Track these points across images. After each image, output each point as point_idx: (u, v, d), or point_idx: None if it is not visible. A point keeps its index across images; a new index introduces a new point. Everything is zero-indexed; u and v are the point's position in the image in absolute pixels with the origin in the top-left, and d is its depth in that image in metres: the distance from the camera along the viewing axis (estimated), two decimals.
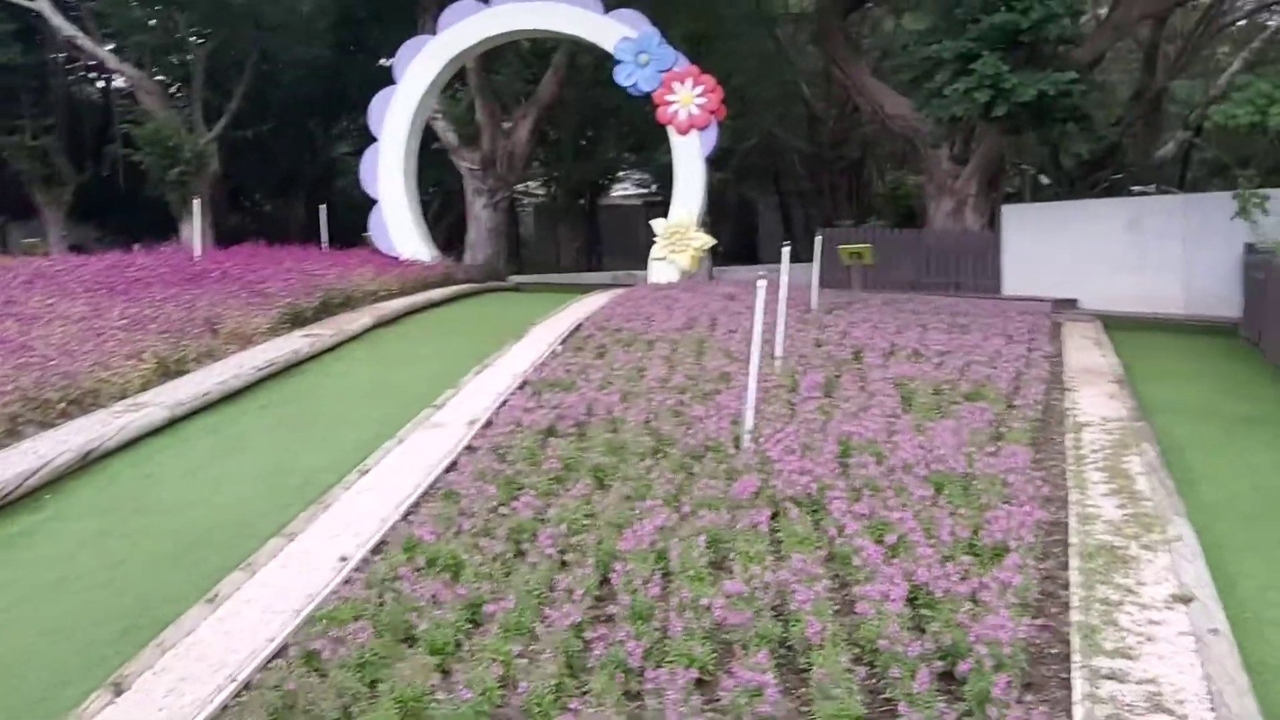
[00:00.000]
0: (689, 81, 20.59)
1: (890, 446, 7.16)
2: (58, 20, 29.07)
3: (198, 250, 16.34)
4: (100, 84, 37.67)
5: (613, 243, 44.14)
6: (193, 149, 30.36)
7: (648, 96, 21.36)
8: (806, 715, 4.06)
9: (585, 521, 5.93)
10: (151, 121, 29.95)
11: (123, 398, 9.81)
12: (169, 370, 10.71)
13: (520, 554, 5.63)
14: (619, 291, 18.34)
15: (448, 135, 27.05)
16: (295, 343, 12.53)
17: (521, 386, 9.98)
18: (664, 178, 41.75)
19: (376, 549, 6.16)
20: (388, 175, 21.93)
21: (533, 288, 23.94)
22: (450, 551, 5.54)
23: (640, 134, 37.47)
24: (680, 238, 20.83)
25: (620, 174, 44.72)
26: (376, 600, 5.14)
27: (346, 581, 5.65)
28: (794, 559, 5.09)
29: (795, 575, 4.89)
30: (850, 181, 33.26)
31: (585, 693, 4.10)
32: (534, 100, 27.67)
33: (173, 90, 33.84)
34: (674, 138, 20.99)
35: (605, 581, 5.19)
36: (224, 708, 4.43)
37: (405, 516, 6.67)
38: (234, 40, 31.77)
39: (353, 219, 25.66)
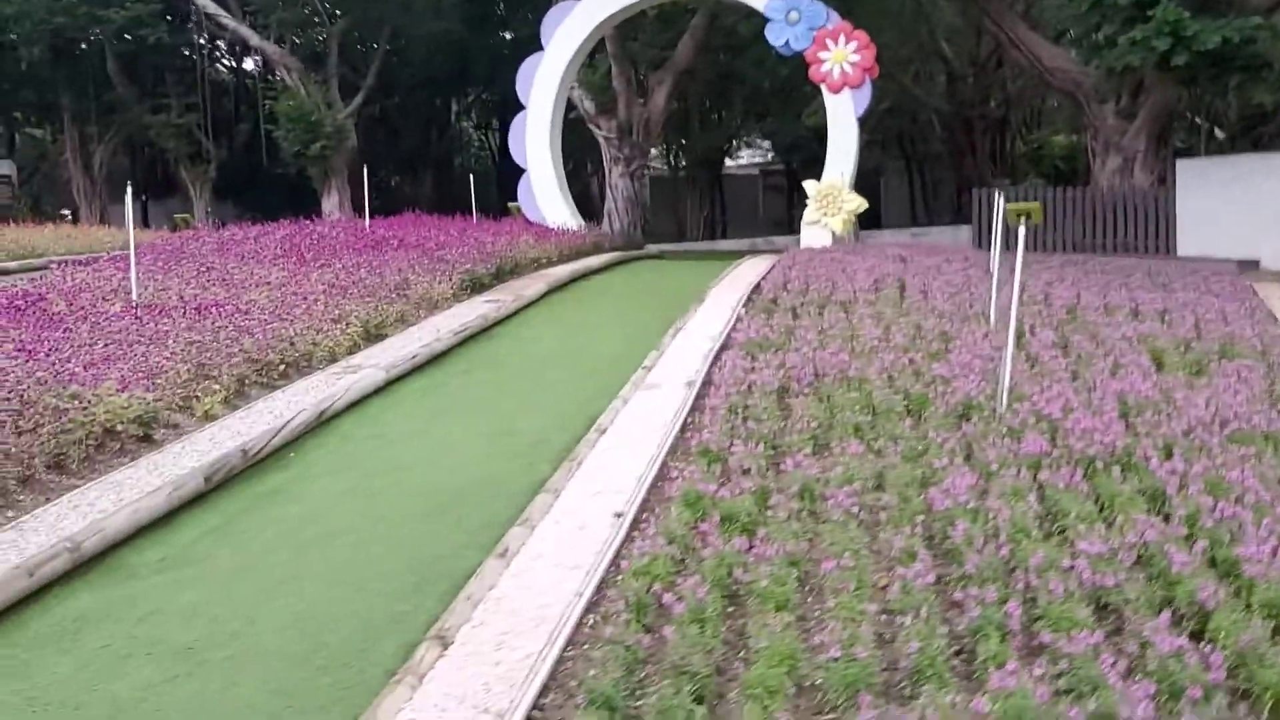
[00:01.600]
0: (841, 38, 20.05)
1: (1169, 404, 6.75)
2: None
3: (368, 219, 16.50)
4: (235, 63, 38.62)
5: (732, 212, 43.73)
6: (332, 124, 30.88)
7: (798, 56, 20.88)
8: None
9: (873, 480, 5.67)
10: (292, 98, 30.56)
11: (333, 360, 9.90)
12: (370, 334, 10.79)
13: (813, 513, 5.41)
14: (774, 257, 17.98)
15: (585, 103, 26.92)
16: (481, 308, 12.55)
17: (725, 348, 9.77)
18: (783, 146, 41.23)
19: (645, 505, 6.01)
20: (535, 143, 21.91)
21: (675, 255, 23.73)
22: (742, 508, 5.34)
23: (763, 101, 36.97)
24: (833, 200, 20.37)
25: (739, 143, 44.21)
26: (678, 556, 4.98)
27: (630, 538, 5.51)
28: (1136, 519, 4.75)
29: (1161, 535, 4.56)
30: (992, 141, 32.15)
31: (963, 654, 3.87)
32: (670, 65, 27.35)
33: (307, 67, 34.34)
34: (826, 97, 20.50)
35: (929, 540, 4.93)
36: (560, 661, 4.31)
37: (662, 473, 6.51)
38: (367, 16, 32.15)
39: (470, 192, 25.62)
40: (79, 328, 9.27)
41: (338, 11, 32.18)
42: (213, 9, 30.25)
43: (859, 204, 20.56)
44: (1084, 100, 21.72)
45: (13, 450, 6.55)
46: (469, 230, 16.88)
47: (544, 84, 21.84)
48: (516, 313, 12.82)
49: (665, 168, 41.02)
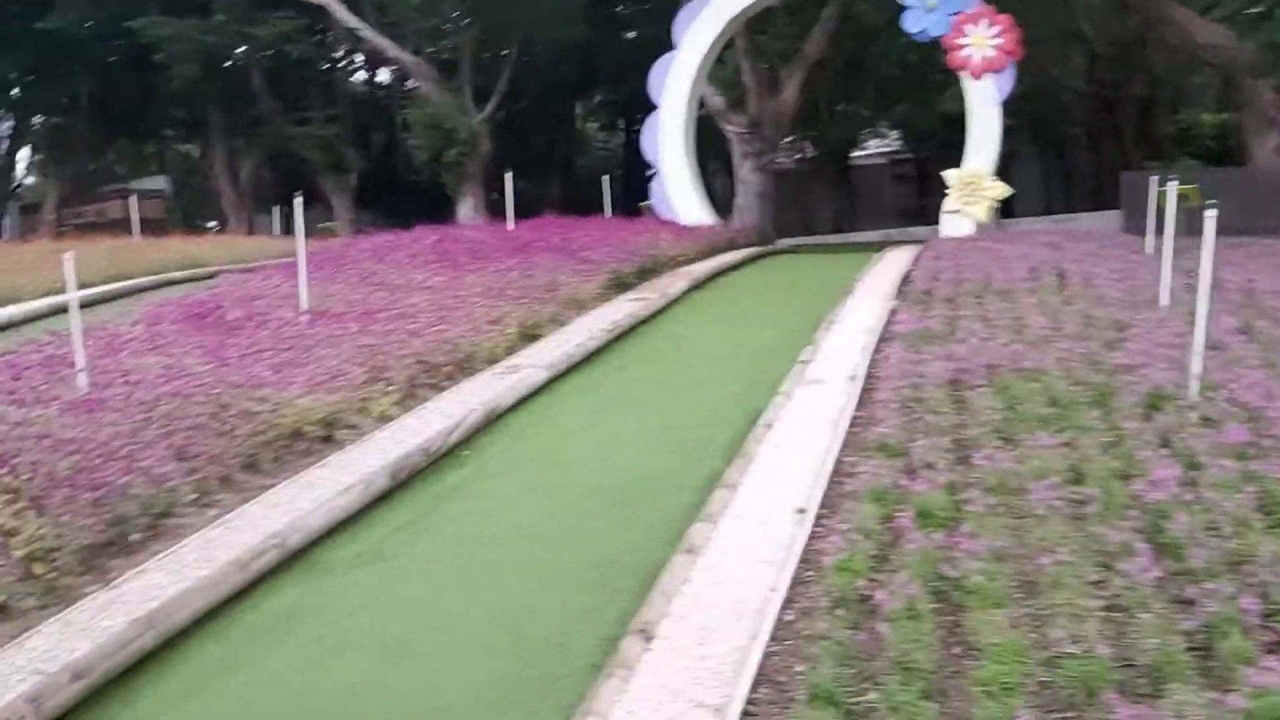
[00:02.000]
0: (983, 22, 19.54)
1: None
2: (341, 13, 30.74)
3: (511, 223, 16.80)
4: (369, 75, 39.78)
5: (859, 204, 43.05)
6: (467, 130, 31.53)
7: (935, 42, 20.46)
8: None
9: (1070, 473, 5.51)
10: (428, 106, 31.32)
11: (493, 361, 10.09)
12: (526, 335, 10.98)
13: (1011, 507, 5.28)
14: (915, 248, 17.64)
15: (713, 99, 26.87)
16: (627, 306, 12.65)
17: (883, 340, 9.63)
18: (912, 135, 40.40)
19: (825, 500, 5.96)
20: (669, 142, 21.99)
21: (809, 249, 23.51)
22: (936, 503, 5.25)
23: (892, 90, 36.28)
24: (975, 188, 19.90)
25: (865, 134, 43.49)
26: (875, 551, 4.92)
27: (815, 533, 5.48)
28: None
29: None
30: (1136, 123, 30.89)
31: (1198, 651, 3.73)
32: (801, 58, 27.08)
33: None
34: (966, 83, 20.01)
35: (1142, 533, 4.76)
36: (766, 655, 4.31)
37: (837, 469, 6.44)
38: (497, 23, 32.72)
39: (595, 194, 25.64)
40: (258, 333, 9.68)
41: (469, 20, 32.81)
42: (353, 22, 31.20)
43: (1001, 191, 20.05)
44: (1239, 77, 20.70)
45: (214, 452, 6.87)
46: (608, 230, 17.02)
47: (676, 83, 21.90)
48: (662, 310, 12.88)
49: (790, 161, 40.57)
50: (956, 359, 8.12)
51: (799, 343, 10.29)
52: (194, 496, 6.53)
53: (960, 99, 24.04)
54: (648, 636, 4.57)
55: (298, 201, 11.22)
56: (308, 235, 27.88)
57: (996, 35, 19.47)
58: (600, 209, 23.28)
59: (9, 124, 41.06)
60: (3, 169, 41.93)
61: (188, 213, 39.27)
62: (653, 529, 6.06)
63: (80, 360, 7.87)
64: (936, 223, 31.12)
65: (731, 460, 6.91)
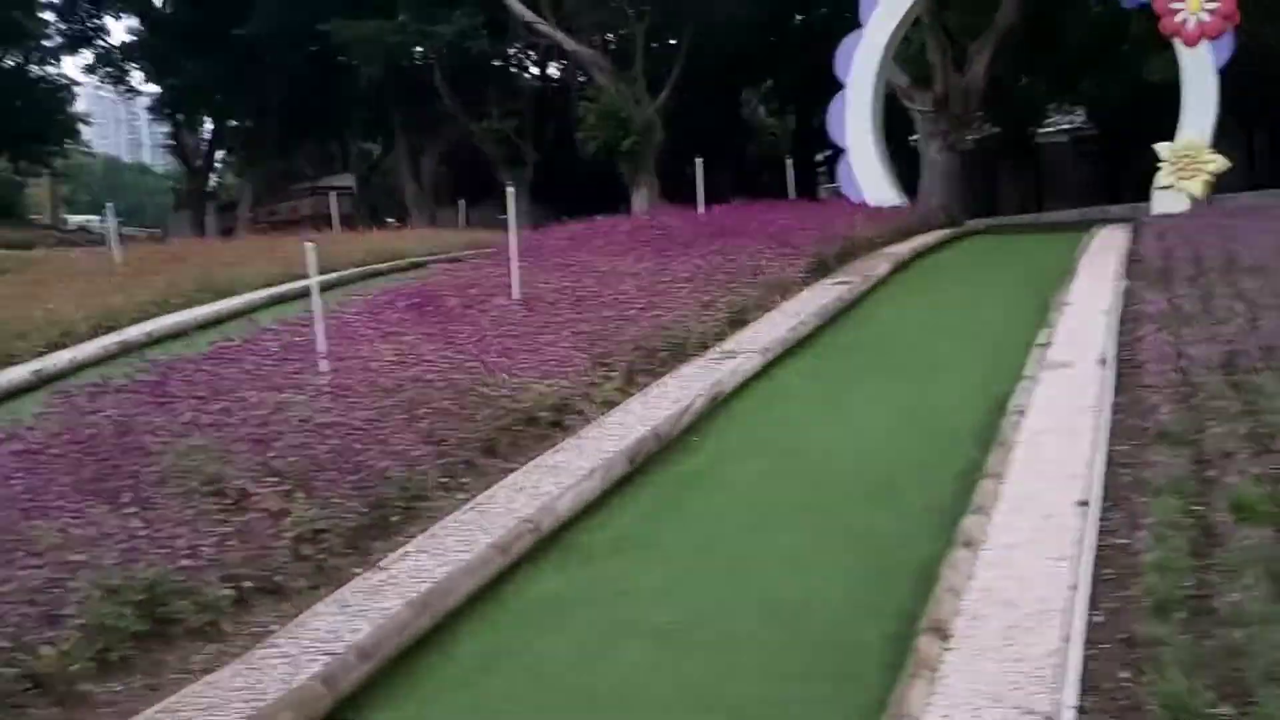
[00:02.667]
0: None
1: None
2: (518, 8, 31.18)
3: (701, 209, 16.63)
4: (542, 69, 40.29)
5: (1043, 184, 41.19)
6: (642, 120, 31.57)
7: (1144, 8, 19.26)
8: None
9: None
10: (604, 96, 31.49)
11: (704, 346, 9.93)
12: (734, 319, 10.77)
13: None
14: (1125, 227, 16.65)
15: (897, 76, 26.03)
16: (832, 290, 12.30)
17: (1128, 321, 9.04)
18: (1101, 111, 38.35)
19: (1109, 493, 5.52)
20: (856, 122, 21.42)
21: (1005, 230, 22.52)
22: (1252, 495, 4.78)
23: (1080, 64, 34.47)
24: (1190, 162, 18.60)
25: (1051, 110, 41.58)
26: (1192, 550, 4.50)
27: (1105, 528, 5.07)
28: None
29: None
30: None
31: None
32: (991, 32, 25.95)
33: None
34: (1180, 50, 18.73)
35: None
36: (1089, 658, 3.96)
37: (1113, 459, 5.99)
38: (671, 10, 32.63)
39: (767, 179, 24.89)
40: (479, 321, 9.77)
41: (644, 8, 32.79)
42: (530, 17, 31.62)
43: (1220, 165, 18.69)
44: None
45: (457, 436, 6.90)
46: (800, 214, 16.65)
47: (864, 61, 21.30)
48: (869, 293, 12.48)
49: (971, 141, 39.07)
50: (1224, 340, 7.51)
51: (1028, 325, 9.76)
52: (443, 480, 6.57)
53: (1164, 68, 22.68)
54: (944, 635, 4.28)
55: (510, 192, 11.30)
56: (488, 228, 28.29)
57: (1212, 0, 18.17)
58: (774, 194, 22.85)
59: (208, 128, 43.52)
60: (202, 170, 44.47)
61: (373, 209, 40.63)
62: (918, 520, 5.76)
63: (322, 347, 8.07)
64: (1130, 201, 29.48)
65: (988, 449, 6.53)
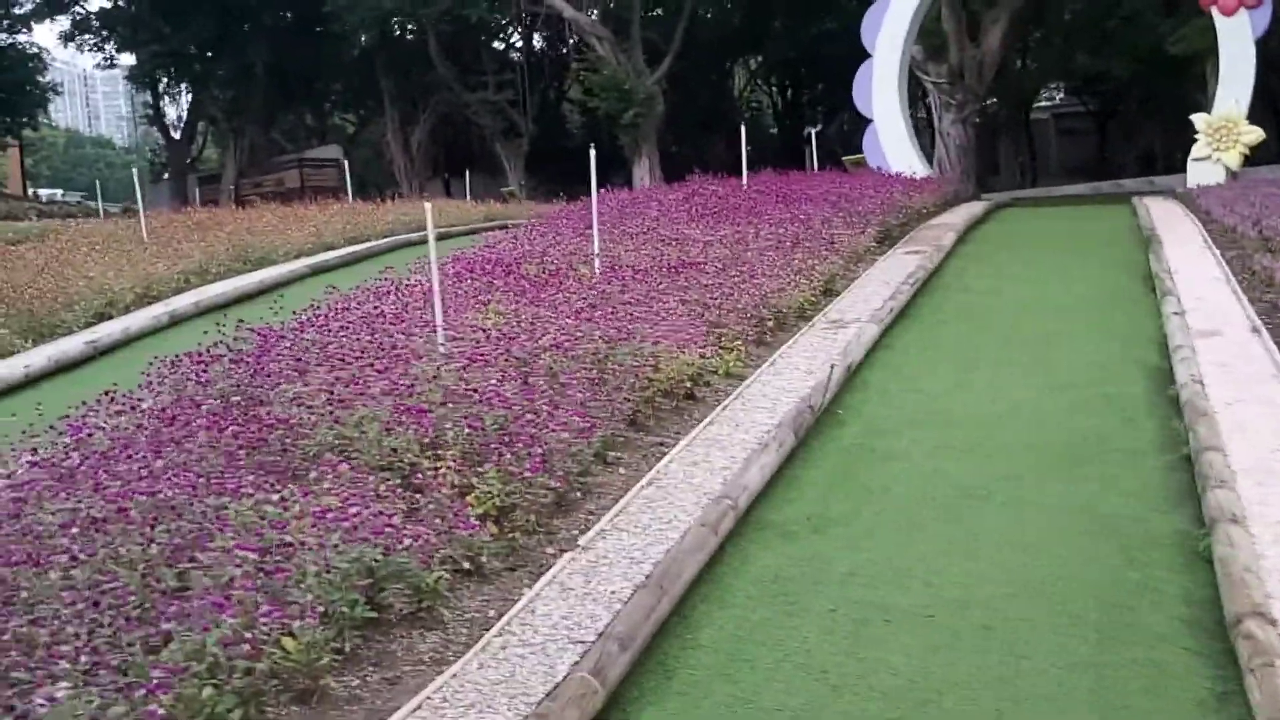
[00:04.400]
0: None
1: None
2: None
3: (745, 180, 16.23)
4: (544, 38, 39.54)
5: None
6: (644, 91, 31.07)
7: None
8: None
9: None
10: (606, 67, 30.94)
11: (803, 316, 9.59)
12: (825, 288, 10.42)
13: None
14: (1163, 199, 16.55)
15: (913, 49, 25.72)
16: (907, 259, 12.01)
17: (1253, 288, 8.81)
18: (1095, 87, 38.33)
19: None
20: (882, 91, 21.10)
21: (1033, 203, 22.33)
22: None
23: (1078, 39, 34.30)
24: (1227, 133, 18.47)
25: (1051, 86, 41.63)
26: None
27: None
28: None
29: None
30: None
31: None
32: (1005, 3, 25.69)
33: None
34: (1218, 20, 18.55)
35: None
36: None
37: None
38: None
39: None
40: (566, 288, 9.33)
41: None
42: None
43: (1256, 136, 18.58)
44: None
45: (603, 408, 6.49)
46: (840, 184, 16.29)
47: (890, 30, 20.97)
48: (945, 262, 12.18)
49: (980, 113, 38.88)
50: None
51: (1135, 294, 9.53)
52: (597, 452, 6.17)
53: (1191, 39, 22.57)
54: (1270, 620, 3.95)
55: (592, 153, 10.81)
56: (482, 200, 27.49)
57: None
58: (764, 166, 22.22)
59: (188, 96, 42.36)
60: (182, 142, 43.33)
61: (361, 181, 39.79)
62: (1141, 494, 5.45)
63: (439, 316, 7.61)
64: (1134, 176, 29.40)
65: (1171, 420, 6.22)
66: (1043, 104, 45.68)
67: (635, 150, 32.05)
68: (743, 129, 17.22)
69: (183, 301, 11.74)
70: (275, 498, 4.70)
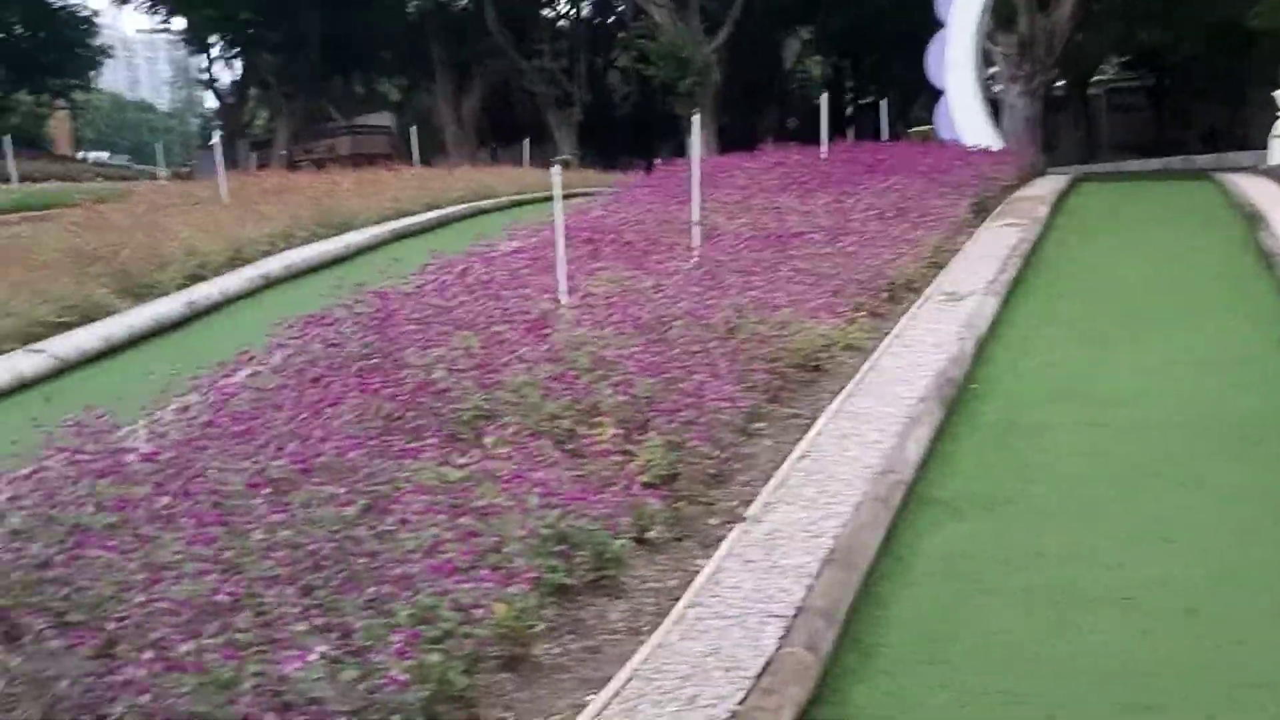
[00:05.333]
0: None
1: None
2: None
3: (824, 150, 15.95)
4: (598, 6, 39.20)
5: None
6: (702, 59, 30.73)
7: None
8: None
9: None
10: (664, 35, 30.61)
11: (910, 288, 9.40)
12: (932, 260, 10.22)
13: None
14: (1249, 175, 16.17)
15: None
16: (1005, 232, 11.76)
17: None
18: (1136, 64, 37.58)
19: None
20: (955, 63, 20.72)
21: (1109, 177, 21.90)
22: None
23: (1126, 14, 33.50)
24: None
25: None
26: None
27: None
28: None
29: None
30: None
31: None
32: None
33: None
34: None
35: None
36: None
37: None
38: None
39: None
40: (670, 257, 9.18)
41: None
42: None
43: None
44: None
45: (746, 379, 6.36)
46: (921, 155, 16.00)
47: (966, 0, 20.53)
48: (1045, 235, 11.94)
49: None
50: None
51: (1247, 270, 9.33)
52: (740, 424, 6.05)
53: (1271, 15, 22.01)
54: None
55: (695, 120, 10.62)
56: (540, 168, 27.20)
57: None
58: (808, 139, 21.65)
59: (240, 61, 42.39)
60: (234, 107, 43.42)
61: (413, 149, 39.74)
62: None
63: (563, 282, 7.50)
64: (1192, 153, 28.79)
65: None
66: (1095, 79, 44.87)
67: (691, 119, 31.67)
68: (825, 98, 16.93)
69: (273, 265, 11.71)
70: (460, 460, 4.61)
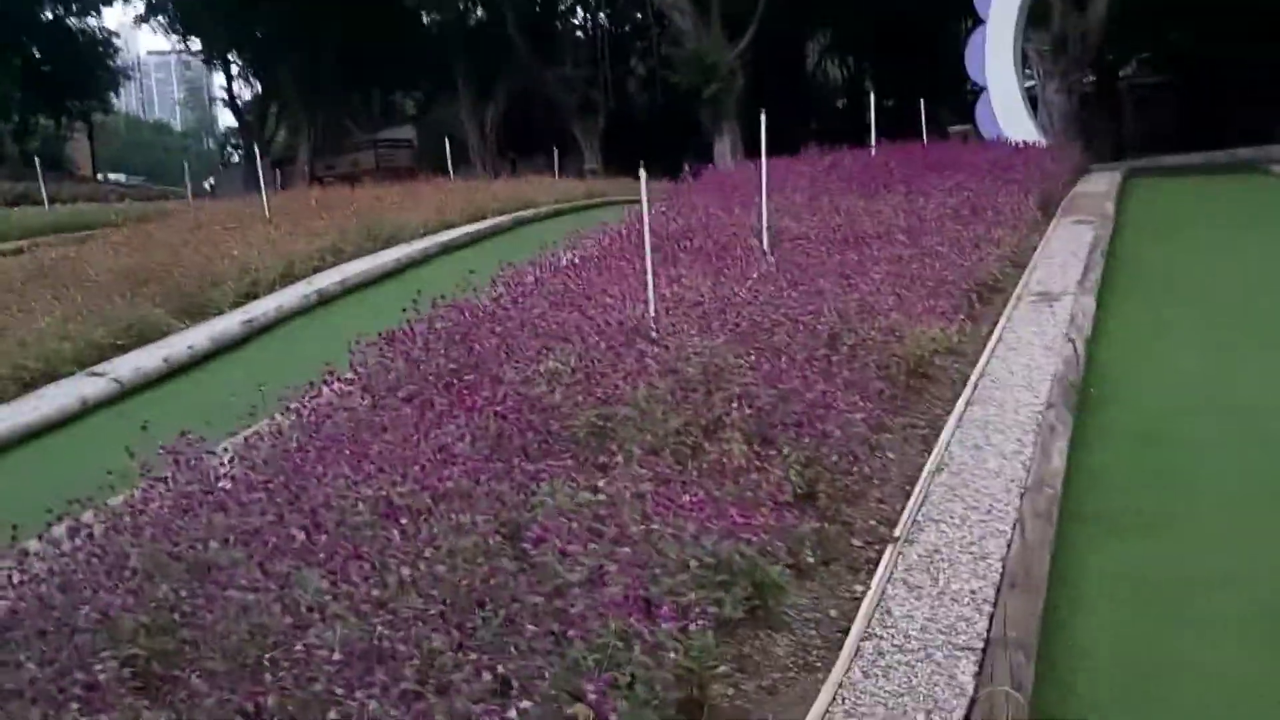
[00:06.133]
0: None
1: None
2: None
3: (872, 150, 15.63)
4: (615, 14, 38.91)
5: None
6: (727, 65, 30.42)
7: None
8: None
9: None
10: (689, 41, 30.30)
11: (995, 288, 9.05)
12: (1014, 259, 9.87)
13: None
14: None
15: None
16: (1082, 229, 11.45)
17: None
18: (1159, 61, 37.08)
19: None
20: (996, 58, 20.39)
21: (1158, 172, 21.39)
22: None
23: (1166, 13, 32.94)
24: None
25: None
26: None
27: None
28: None
29: None
30: None
31: None
32: None
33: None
34: None
35: None
36: None
37: None
38: None
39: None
40: (749, 261, 8.85)
41: None
42: None
43: None
44: None
45: (865, 384, 6.01)
46: (969, 153, 15.66)
47: None
48: (1117, 233, 11.55)
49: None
50: None
51: None
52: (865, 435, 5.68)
53: None
54: None
55: (762, 117, 10.30)
56: (565, 178, 26.74)
57: None
58: (832, 140, 20.98)
59: (259, 79, 42.27)
60: (254, 125, 43.31)
61: (435, 161, 39.51)
62: None
63: (650, 290, 7.16)
64: (1227, 147, 28.20)
65: None
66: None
67: (716, 125, 31.40)
68: (872, 98, 16.60)
69: (326, 280, 11.42)
70: (593, 480, 4.28)
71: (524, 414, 5.22)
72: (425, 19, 35.55)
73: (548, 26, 35.24)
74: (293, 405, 5.79)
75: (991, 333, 7.73)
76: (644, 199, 7.36)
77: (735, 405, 5.19)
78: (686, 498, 4.22)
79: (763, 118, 10.20)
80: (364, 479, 4.35)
